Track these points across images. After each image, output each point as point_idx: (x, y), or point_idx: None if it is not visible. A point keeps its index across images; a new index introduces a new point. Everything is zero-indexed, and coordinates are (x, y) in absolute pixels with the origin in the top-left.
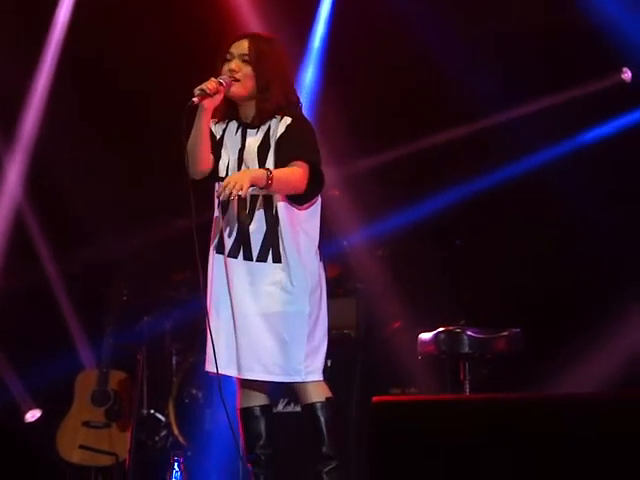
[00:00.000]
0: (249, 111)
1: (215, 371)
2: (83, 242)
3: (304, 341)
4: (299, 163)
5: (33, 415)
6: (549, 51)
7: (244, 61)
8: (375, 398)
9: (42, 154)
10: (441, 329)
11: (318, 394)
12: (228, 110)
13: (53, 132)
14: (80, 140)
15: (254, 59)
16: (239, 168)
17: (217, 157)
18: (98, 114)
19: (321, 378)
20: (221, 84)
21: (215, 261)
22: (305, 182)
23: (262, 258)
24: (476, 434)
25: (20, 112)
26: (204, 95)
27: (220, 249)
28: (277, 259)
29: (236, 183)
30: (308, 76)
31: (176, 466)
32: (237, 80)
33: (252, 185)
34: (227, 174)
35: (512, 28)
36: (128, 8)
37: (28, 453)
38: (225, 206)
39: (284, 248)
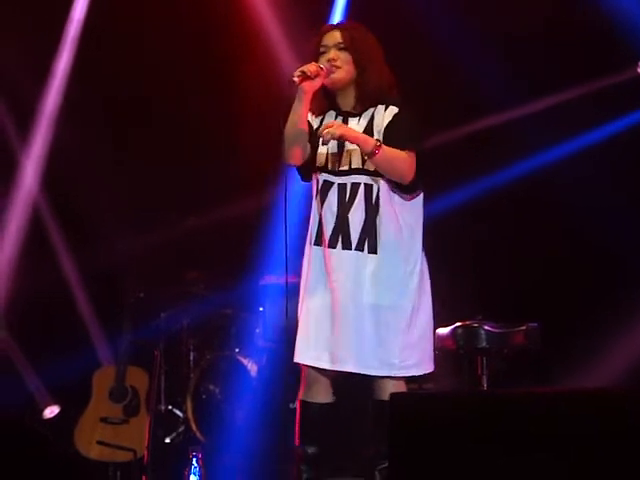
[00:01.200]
0: (349, 99)
1: (308, 363)
2: (99, 240)
3: (399, 335)
4: (408, 152)
5: (52, 411)
6: (563, 46)
7: (340, 49)
8: (392, 393)
9: (58, 153)
10: (458, 324)
11: (396, 389)
12: (325, 102)
13: (70, 131)
14: (97, 139)
15: (350, 45)
16: (340, 156)
17: (314, 147)
18: (114, 114)
19: (416, 373)
20: (321, 69)
21: (312, 253)
22: (412, 171)
23: (360, 247)
24: (494, 429)
25: (36, 112)
26: (304, 77)
27: (317, 241)
28: (372, 250)
29: (339, 128)
30: None
31: (194, 462)
32: (338, 67)
33: (356, 144)
34: (326, 164)
35: (524, 22)
36: (143, 11)
37: (47, 449)
38: (324, 195)
39: (381, 239)
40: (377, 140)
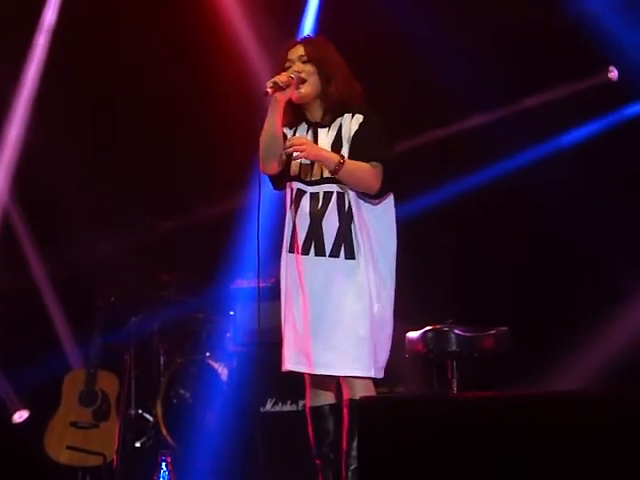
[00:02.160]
0: (317, 110)
1: (291, 369)
2: (70, 243)
3: (372, 337)
4: (373, 163)
5: (21, 416)
6: (534, 50)
7: (304, 62)
8: (362, 397)
9: (29, 157)
10: (429, 327)
11: (366, 391)
12: (296, 115)
13: (40, 134)
14: (67, 143)
15: (313, 57)
16: (312, 165)
17: (289, 156)
18: (87, 117)
19: (382, 376)
20: (292, 78)
21: (288, 261)
22: (378, 182)
23: (335, 254)
24: (464, 433)
25: (6, 114)
26: (277, 87)
27: (291, 248)
28: (350, 255)
29: (303, 145)
30: None
31: (164, 466)
32: (304, 80)
33: (319, 161)
34: (300, 173)
35: (497, 27)
36: (114, 11)
37: (16, 454)
38: (297, 203)
39: (357, 245)
40: (341, 156)
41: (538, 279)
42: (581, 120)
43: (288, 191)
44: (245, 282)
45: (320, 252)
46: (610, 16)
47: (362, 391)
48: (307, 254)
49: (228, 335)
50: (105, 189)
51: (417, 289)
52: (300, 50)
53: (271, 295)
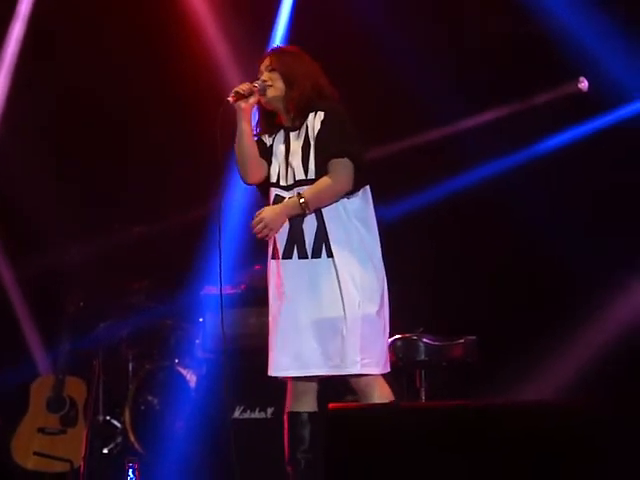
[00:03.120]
0: (286, 115)
1: (279, 375)
2: (39, 248)
3: (359, 333)
4: (340, 160)
5: None
6: (505, 61)
7: (271, 70)
8: (330, 405)
9: None
10: (397, 336)
11: (382, 393)
12: (274, 121)
13: (8, 138)
14: (35, 146)
15: (277, 65)
16: (286, 172)
17: (269, 164)
18: (54, 121)
19: (378, 372)
20: (255, 86)
21: (272, 267)
22: (348, 182)
23: (316, 254)
24: (432, 441)
25: None
26: (238, 96)
27: (274, 254)
28: (330, 254)
29: (265, 227)
30: None
31: (130, 472)
32: (270, 85)
33: (287, 215)
34: (278, 180)
35: (468, 38)
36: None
37: None
38: None
39: (335, 241)
40: (298, 197)
41: (507, 289)
42: (552, 130)
43: (271, 198)
44: (214, 289)
45: (302, 254)
46: (580, 27)
47: (378, 388)
48: (290, 257)
49: (197, 342)
50: (74, 194)
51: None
52: (267, 61)
53: (240, 302)
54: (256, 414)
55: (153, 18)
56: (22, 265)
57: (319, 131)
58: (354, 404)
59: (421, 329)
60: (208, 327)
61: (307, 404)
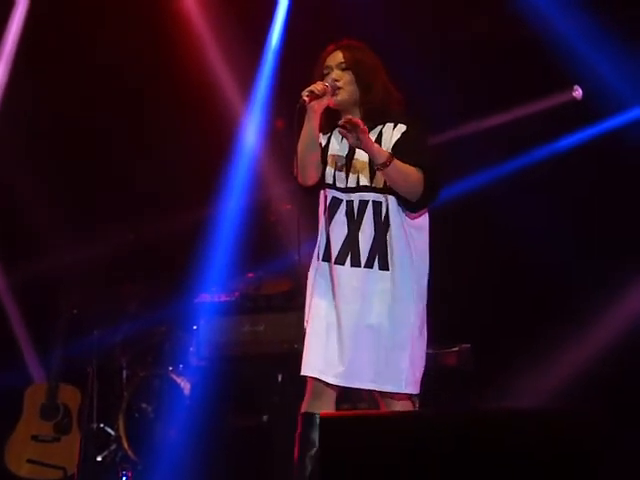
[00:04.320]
0: (356, 117)
1: (314, 375)
2: (33, 254)
3: (405, 352)
4: (418, 170)
5: None
6: (500, 69)
7: (343, 69)
8: (322, 413)
9: None
10: None
11: (402, 407)
12: (332, 121)
13: (4, 143)
14: (32, 151)
15: (352, 65)
16: (347, 175)
17: (324, 165)
18: (51, 126)
19: (417, 391)
20: (327, 86)
21: (320, 268)
22: (422, 187)
23: (369, 265)
24: (425, 449)
25: None
26: (313, 96)
27: (326, 257)
28: (384, 267)
29: (357, 127)
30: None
31: None
32: (340, 88)
33: (368, 151)
34: (334, 182)
35: (463, 45)
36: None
37: None
38: (332, 211)
39: (392, 255)
40: (390, 153)
41: (501, 297)
42: (545, 138)
43: (322, 199)
44: (209, 296)
45: (356, 263)
46: (575, 35)
47: (398, 407)
48: (343, 264)
49: (191, 349)
50: (68, 200)
51: None
52: (339, 57)
53: (233, 310)
54: (250, 420)
55: (153, 18)
56: (16, 271)
57: (398, 140)
58: (347, 412)
59: None
60: (202, 335)
61: (323, 407)
